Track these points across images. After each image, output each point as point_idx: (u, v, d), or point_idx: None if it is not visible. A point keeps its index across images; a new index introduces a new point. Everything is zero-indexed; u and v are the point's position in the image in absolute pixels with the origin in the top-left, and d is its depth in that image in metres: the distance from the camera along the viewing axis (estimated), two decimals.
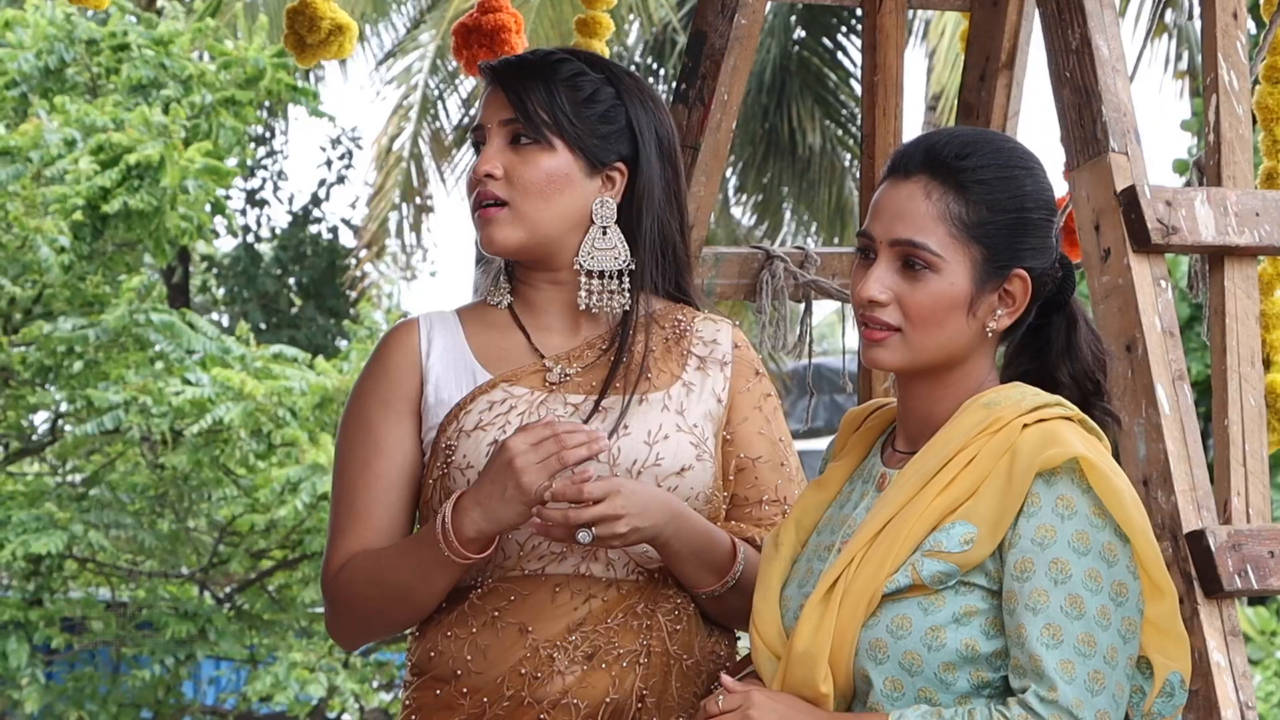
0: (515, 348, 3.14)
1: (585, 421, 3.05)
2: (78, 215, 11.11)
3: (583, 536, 2.92)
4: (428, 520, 3.10)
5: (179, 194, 11.20)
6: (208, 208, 11.87)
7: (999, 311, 2.77)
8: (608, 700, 3.01)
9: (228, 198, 11.75)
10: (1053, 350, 2.82)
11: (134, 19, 12.30)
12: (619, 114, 3.13)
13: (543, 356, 3.12)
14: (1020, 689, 2.63)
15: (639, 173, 3.13)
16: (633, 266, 3.13)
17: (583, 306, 3.12)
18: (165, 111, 11.55)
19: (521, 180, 3.09)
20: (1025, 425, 2.70)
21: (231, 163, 12.30)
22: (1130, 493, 2.69)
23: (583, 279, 3.12)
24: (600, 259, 3.12)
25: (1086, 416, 2.76)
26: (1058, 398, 2.76)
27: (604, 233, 3.12)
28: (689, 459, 3.06)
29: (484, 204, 3.10)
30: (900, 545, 2.69)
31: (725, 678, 2.78)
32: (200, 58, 12.23)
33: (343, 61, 18.50)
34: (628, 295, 3.13)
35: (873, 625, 2.69)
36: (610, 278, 3.12)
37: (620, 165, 3.13)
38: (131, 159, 11.09)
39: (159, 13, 14.69)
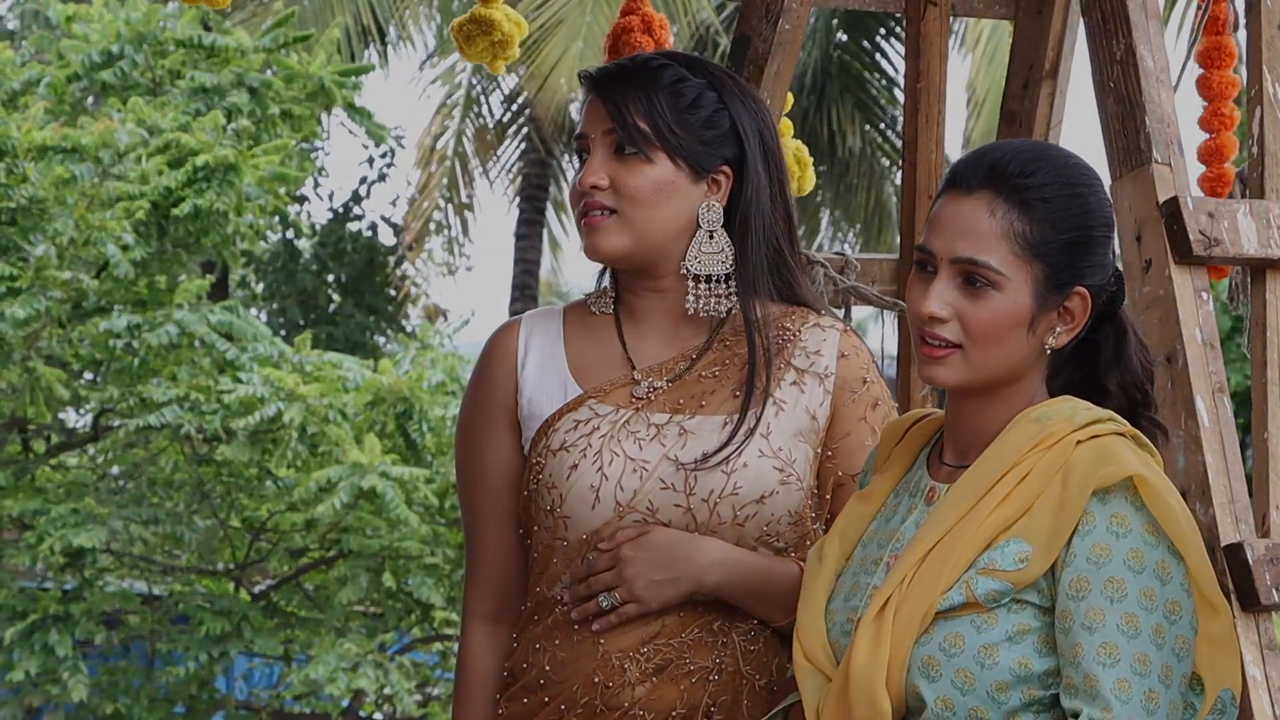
0: (610, 357, 3.11)
1: (670, 444, 3.04)
2: (141, 214, 11.15)
3: (604, 602, 3.00)
4: (528, 528, 3.12)
5: (243, 199, 11.25)
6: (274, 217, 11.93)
7: (1058, 329, 2.75)
8: (675, 713, 3.00)
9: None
10: (1101, 360, 2.80)
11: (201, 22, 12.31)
12: (722, 118, 3.09)
13: (634, 368, 3.09)
14: (1072, 711, 2.60)
15: (745, 176, 3.10)
16: (736, 270, 3.10)
17: (690, 311, 3.09)
18: (229, 118, 11.58)
19: (628, 189, 3.05)
20: (1079, 441, 2.68)
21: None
22: (1183, 510, 2.67)
23: (689, 284, 3.09)
24: (707, 263, 3.08)
25: (1138, 432, 2.74)
26: (1109, 413, 2.74)
27: (710, 237, 3.09)
28: (771, 484, 3.02)
29: (591, 212, 3.07)
30: (954, 563, 2.66)
31: None
32: (265, 68, 12.26)
33: (385, 61, 18.56)
34: (734, 299, 3.10)
35: (925, 642, 2.66)
36: (716, 282, 3.09)
37: (725, 169, 3.09)
38: (199, 160, 11.13)
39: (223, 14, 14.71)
